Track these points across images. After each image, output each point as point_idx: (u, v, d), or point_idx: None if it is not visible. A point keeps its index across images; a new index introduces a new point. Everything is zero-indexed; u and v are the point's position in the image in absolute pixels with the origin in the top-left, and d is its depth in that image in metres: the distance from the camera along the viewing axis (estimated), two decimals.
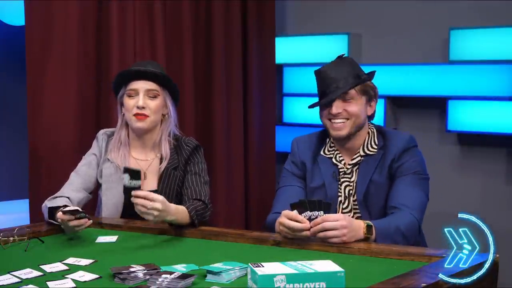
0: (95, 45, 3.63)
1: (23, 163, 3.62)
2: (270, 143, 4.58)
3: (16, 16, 4.26)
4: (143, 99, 2.86)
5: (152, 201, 2.47)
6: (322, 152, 2.86)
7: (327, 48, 4.55)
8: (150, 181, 2.92)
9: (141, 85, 2.87)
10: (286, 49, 4.71)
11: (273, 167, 4.60)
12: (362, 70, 2.82)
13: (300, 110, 4.73)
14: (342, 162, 2.81)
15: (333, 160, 2.82)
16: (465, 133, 4.14)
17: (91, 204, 3.08)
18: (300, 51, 4.68)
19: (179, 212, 2.65)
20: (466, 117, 4.08)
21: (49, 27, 3.46)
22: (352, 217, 2.73)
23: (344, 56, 2.82)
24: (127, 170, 2.52)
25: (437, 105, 4.25)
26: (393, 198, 2.68)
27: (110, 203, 2.91)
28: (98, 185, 2.97)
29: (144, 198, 2.46)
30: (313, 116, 4.67)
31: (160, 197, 2.50)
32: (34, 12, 3.44)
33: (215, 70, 4.17)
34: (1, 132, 4.57)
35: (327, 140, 2.87)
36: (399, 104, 4.40)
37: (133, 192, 2.46)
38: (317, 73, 2.81)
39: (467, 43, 4.05)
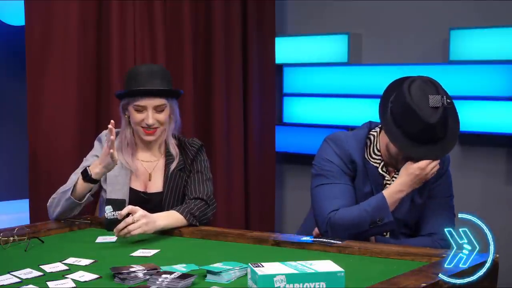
0: (95, 45, 3.63)
1: (23, 163, 3.63)
2: (270, 143, 4.58)
3: (16, 16, 4.26)
4: (152, 116, 2.84)
5: (132, 214, 2.53)
6: (367, 156, 2.66)
7: (327, 48, 4.55)
8: (156, 183, 2.92)
9: (149, 102, 2.84)
10: (286, 49, 4.71)
11: (273, 167, 4.60)
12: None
13: (300, 110, 4.72)
14: (390, 175, 2.67)
15: (379, 170, 2.65)
16: (465, 133, 4.13)
17: (91, 204, 3.08)
18: (300, 51, 4.68)
19: (170, 216, 2.68)
20: (466, 117, 4.07)
21: (49, 27, 3.46)
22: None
23: (449, 102, 2.59)
24: (110, 201, 2.55)
25: None
26: (426, 225, 2.66)
27: None
28: (100, 187, 2.95)
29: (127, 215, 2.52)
30: (313, 116, 4.71)
31: (136, 207, 2.56)
32: (34, 12, 3.44)
33: (215, 70, 4.17)
34: (1, 132, 4.57)
35: (369, 144, 2.67)
36: None
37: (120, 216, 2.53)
38: (419, 121, 2.49)
39: (467, 43, 4.05)
